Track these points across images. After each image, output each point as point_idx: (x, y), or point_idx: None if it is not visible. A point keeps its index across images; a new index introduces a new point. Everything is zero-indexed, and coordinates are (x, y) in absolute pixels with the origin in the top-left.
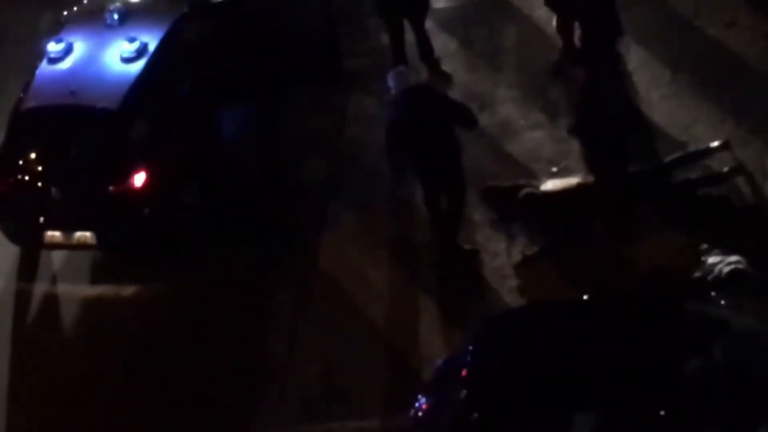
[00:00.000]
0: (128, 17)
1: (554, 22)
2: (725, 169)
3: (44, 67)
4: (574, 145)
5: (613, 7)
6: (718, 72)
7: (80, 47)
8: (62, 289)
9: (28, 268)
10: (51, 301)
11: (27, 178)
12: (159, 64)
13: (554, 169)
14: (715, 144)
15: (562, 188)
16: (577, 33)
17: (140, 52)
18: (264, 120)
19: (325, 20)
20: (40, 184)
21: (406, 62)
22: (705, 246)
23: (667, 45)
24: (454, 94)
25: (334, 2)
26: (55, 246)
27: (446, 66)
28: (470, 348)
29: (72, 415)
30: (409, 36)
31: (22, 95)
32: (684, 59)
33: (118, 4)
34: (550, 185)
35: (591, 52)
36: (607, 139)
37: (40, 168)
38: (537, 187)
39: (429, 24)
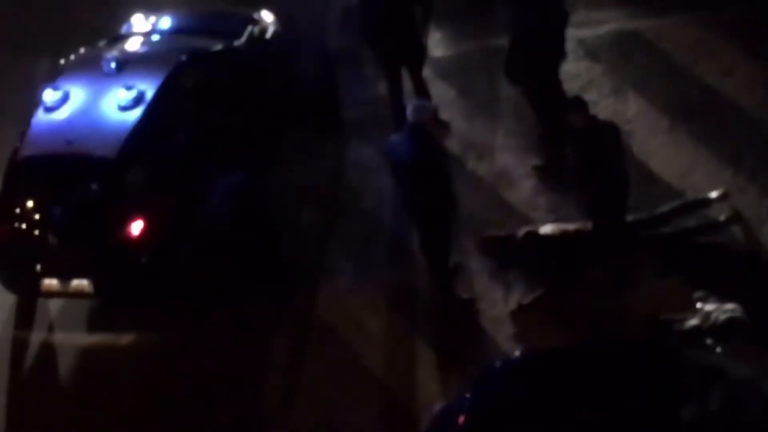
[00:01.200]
0: (125, 65)
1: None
2: (722, 217)
3: (40, 115)
4: (572, 193)
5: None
6: (717, 120)
7: (77, 95)
8: (59, 337)
9: (25, 316)
10: (48, 350)
11: (24, 226)
12: (156, 112)
13: (552, 217)
14: (714, 194)
15: (560, 232)
16: None
17: (137, 100)
18: (262, 170)
19: (323, 70)
20: (37, 232)
21: (404, 111)
22: (701, 293)
23: (666, 93)
24: (453, 142)
25: (332, 51)
26: (52, 294)
27: (444, 114)
28: (467, 395)
29: None
30: (408, 85)
31: (18, 144)
32: (682, 107)
33: (115, 52)
34: (548, 229)
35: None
36: (605, 186)
37: (37, 216)
38: (537, 228)
39: (427, 72)
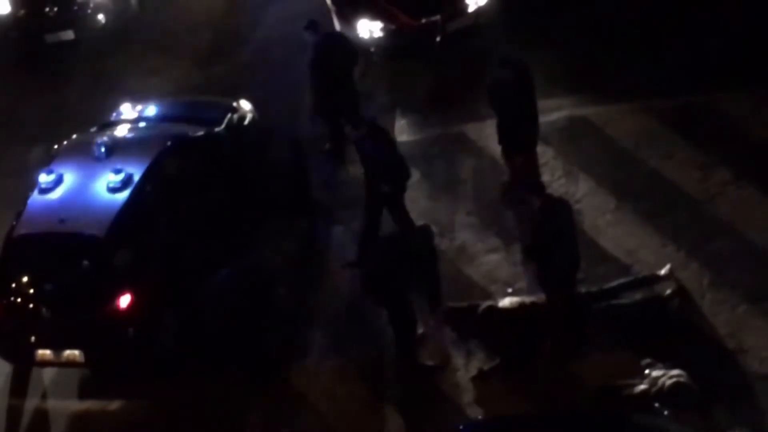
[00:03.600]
0: (114, 150)
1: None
2: (667, 291)
3: (35, 196)
4: (528, 268)
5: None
6: (659, 200)
7: (69, 178)
8: (52, 404)
9: (19, 384)
10: (41, 416)
11: (19, 300)
12: (143, 194)
13: (509, 290)
14: (661, 272)
15: (517, 306)
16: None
17: (125, 182)
18: (239, 249)
19: (295, 154)
20: (31, 305)
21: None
22: (649, 361)
23: (612, 175)
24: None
25: (302, 137)
26: (45, 363)
27: (408, 195)
28: None
29: None
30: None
31: (14, 223)
32: (627, 188)
33: (105, 138)
34: (506, 303)
35: (540, 184)
36: (558, 262)
37: (31, 291)
38: (495, 305)
39: None
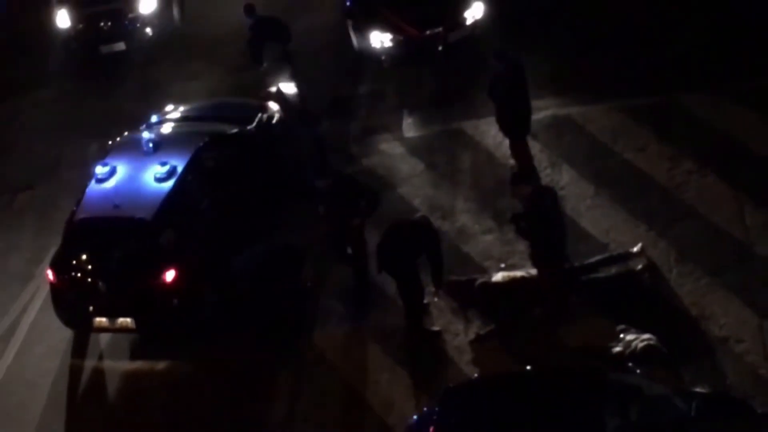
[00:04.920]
0: (160, 146)
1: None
2: (639, 266)
3: (93, 186)
4: (519, 246)
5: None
6: (633, 187)
7: (122, 169)
8: (107, 364)
9: (79, 347)
10: (98, 374)
11: (79, 275)
12: (185, 183)
13: (503, 266)
14: (634, 250)
15: (510, 279)
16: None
17: (170, 173)
18: (267, 230)
19: (317, 147)
20: (89, 280)
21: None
22: (623, 326)
23: (591, 166)
24: (423, 206)
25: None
26: (101, 329)
27: (414, 183)
28: (436, 409)
29: None
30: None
31: (74, 209)
32: (604, 177)
33: (152, 135)
34: (499, 277)
35: (534, 177)
36: (546, 241)
37: (89, 267)
38: (490, 279)
39: (401, 149)
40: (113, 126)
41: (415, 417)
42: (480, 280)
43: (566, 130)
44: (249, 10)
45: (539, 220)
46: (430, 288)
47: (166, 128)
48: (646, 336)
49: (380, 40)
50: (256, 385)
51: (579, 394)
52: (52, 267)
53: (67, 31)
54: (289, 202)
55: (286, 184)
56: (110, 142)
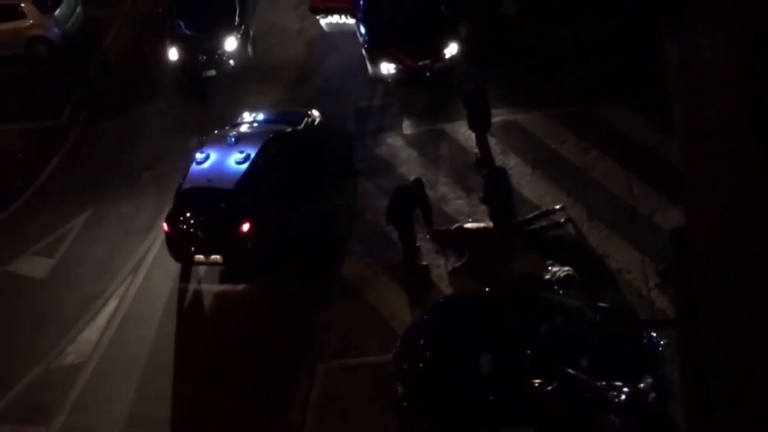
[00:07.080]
0: (239, 140)
1: (474, 139)
2: (562, 219)
3: (194, 167)
4: (481, 208)
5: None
6: (557, 168)
7: (213, 156)
8: (204, 287)
9: (184, 275)
10: (197, 294)
11: (185, 226)
12: (256, 165)
13: (470, 219)
14: (557, 207)
15: (475, 228)
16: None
17: (246, 158)
18: (313, 197)
19: (345, 142)
20: (192, 229)
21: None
22: (550, 261)
23: (530, 153)
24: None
25: (349, 131)
26: (200, 263)
27: (410, 165)
28: (425, 317)
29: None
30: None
31: (181, 182)
32: (538, 161)
33: (233, 132)
34: (470, 225)
35: (491, 161)
36: (499, 204)
37: (192, 221)
38: (463, 225)
39: (401, 142)
40: (207, 126)
41: (411, 322)
42: (456, 225)
43: (513, 130)
44: None
45: (494, 190)
46: (421, 235)
47: (243, 128)
48: (566, 268)
49: (388, 68)
50: (302, 299)
51: (522, 308)
52: (167, 221)
53: (176, 62)
54: (331, 178)
55: (326, 165)
56: (205, 137)
